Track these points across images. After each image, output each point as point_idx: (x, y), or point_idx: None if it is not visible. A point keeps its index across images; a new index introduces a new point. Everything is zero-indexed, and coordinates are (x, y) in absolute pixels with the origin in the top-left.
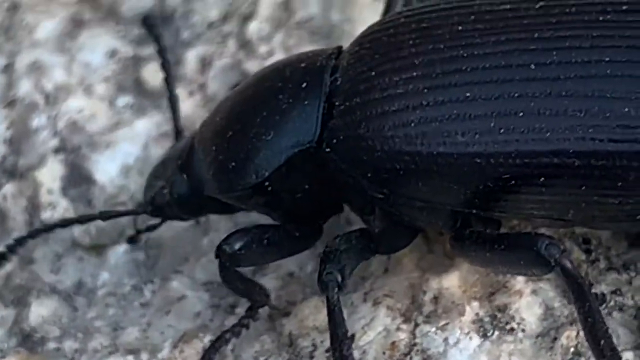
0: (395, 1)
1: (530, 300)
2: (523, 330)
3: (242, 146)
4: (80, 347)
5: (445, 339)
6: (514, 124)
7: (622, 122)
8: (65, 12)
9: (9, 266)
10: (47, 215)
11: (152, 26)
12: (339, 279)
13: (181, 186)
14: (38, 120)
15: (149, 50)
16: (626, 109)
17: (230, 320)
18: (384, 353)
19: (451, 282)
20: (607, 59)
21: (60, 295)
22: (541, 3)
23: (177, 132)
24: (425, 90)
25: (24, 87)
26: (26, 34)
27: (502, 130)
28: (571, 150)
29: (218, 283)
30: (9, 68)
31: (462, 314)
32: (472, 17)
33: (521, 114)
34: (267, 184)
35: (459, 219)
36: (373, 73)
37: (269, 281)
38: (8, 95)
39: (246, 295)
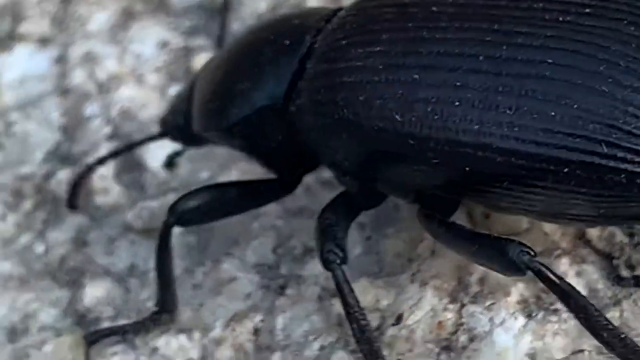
0: None
1: (574, 282)
2: (567, 311)
3: (222, 90)
4: None
5: (491, 319)
6: (448, 112)
7: (547, 125)
8: (117, 5)
9: (63, 249)
10: (101, 201)
11: None
12: (340, 254)
13: (181, 115)
14: (91, 109)
15: (200, 41)
16: (553, 113)
17: (281, 301)
18: (430, 332)
19: None
20: (549, 60)
21: (114, 277)
22: None
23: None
24: (380, 67)
25: (78, 77)
26: (79, 25)
27: (436, 117)
28: (494, 146)
29: (268, 265)
30: (62, 58)
31: (507, 294)
32: None
33: (457, 103)
34: (236, 129)
35: (410, 192)
36: (344, 42)
37: (316, 265)
38: (62, 84)
39: (160, 289)
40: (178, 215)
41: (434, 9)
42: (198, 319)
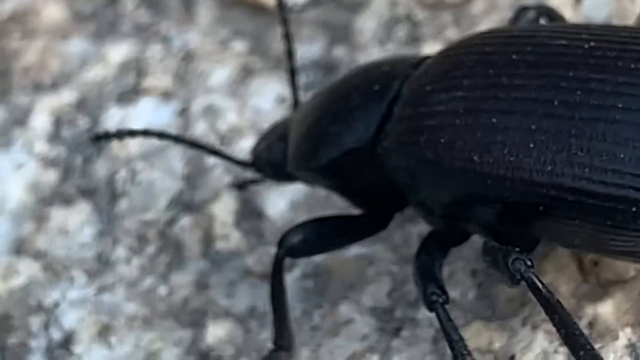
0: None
1: None
2: None
3: (313, 132)
4: None
5: None
6: (523, 154)
7: (616, 166)
8: (237, 62)
9: (186, 291)
10: (222, 246)
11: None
12: (442, 295)
13: (276, 153)
14: (213, 159)
15: None
16: (622, 155)
17: (396, 343)
18: None
19: (605, 309)
20: (620, 105)
21: (235, 318)
22: (592, 43)
23: (296, 102)
24: (461, 111)
25: (200, 128)
26: (200, 81)
27: (512, 158)
28: (566, 186)
29: (384, 309)
30: (185, 112)
31: (615, 338)
32: (529, 47)
33: (532, 145)
34: (326, 170)
35: (490, 230)
36: (428, 87)
37: None
38: (185, 135)
39: (276, 323)
40: (287, 247)
41: (514, 56)
42: (317, 359)
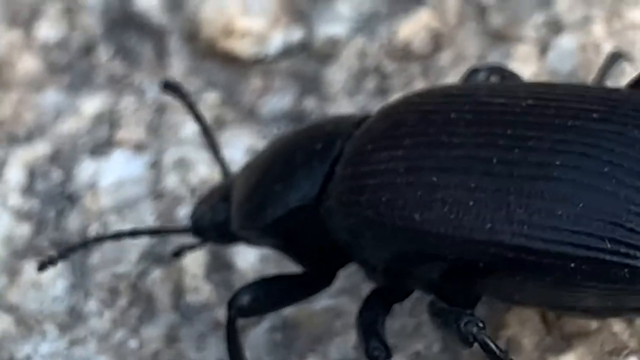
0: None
1: None
2: None
3: (257, 191)
4: None
5: None
6: (463, 212)
7: (554, 223)
8: (209, 113)
9: (156, 344)
10: (192, 299)
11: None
12: (384, 351)
13: (220, 214)
14: (184, 212)
15: None
16: (560, 212)
17: None
18: None
19: None
20: (557, 162)
21: None
22: (529, 101)
23: (225, 173)
24: (402, 170)
25: (171, 181)
26: (173, 133)
27: (452, 216)
28: (505, 243)
29: None
30: (157, 164)
31: None
32: (467, 106)
33: (471, 203)
34: (270, 229)
35: (432, 287)
36: (369, 146)
37: None
38: (156, 188)
39: None
40: (237, 308)
41: (453, 115)
42: None
